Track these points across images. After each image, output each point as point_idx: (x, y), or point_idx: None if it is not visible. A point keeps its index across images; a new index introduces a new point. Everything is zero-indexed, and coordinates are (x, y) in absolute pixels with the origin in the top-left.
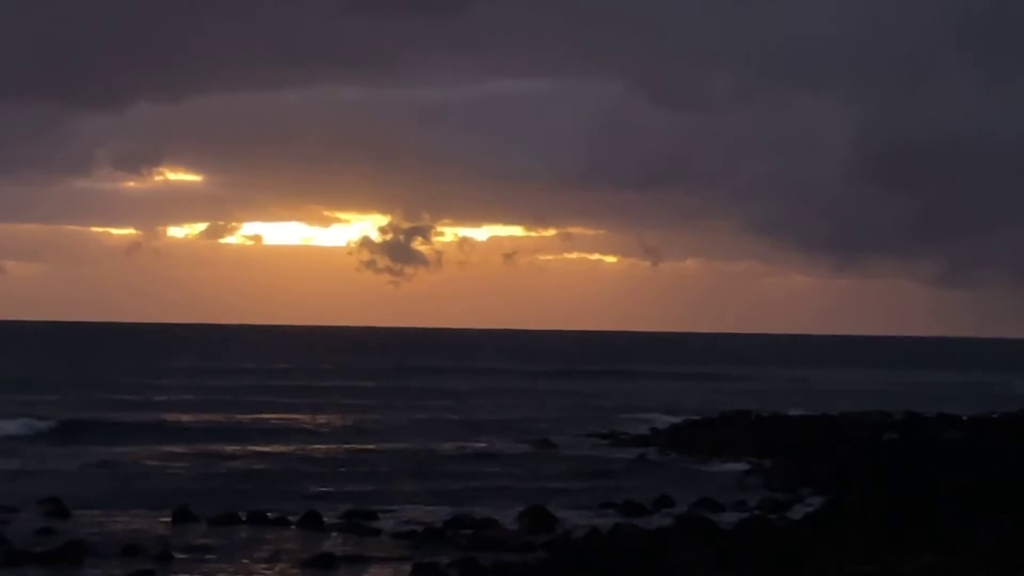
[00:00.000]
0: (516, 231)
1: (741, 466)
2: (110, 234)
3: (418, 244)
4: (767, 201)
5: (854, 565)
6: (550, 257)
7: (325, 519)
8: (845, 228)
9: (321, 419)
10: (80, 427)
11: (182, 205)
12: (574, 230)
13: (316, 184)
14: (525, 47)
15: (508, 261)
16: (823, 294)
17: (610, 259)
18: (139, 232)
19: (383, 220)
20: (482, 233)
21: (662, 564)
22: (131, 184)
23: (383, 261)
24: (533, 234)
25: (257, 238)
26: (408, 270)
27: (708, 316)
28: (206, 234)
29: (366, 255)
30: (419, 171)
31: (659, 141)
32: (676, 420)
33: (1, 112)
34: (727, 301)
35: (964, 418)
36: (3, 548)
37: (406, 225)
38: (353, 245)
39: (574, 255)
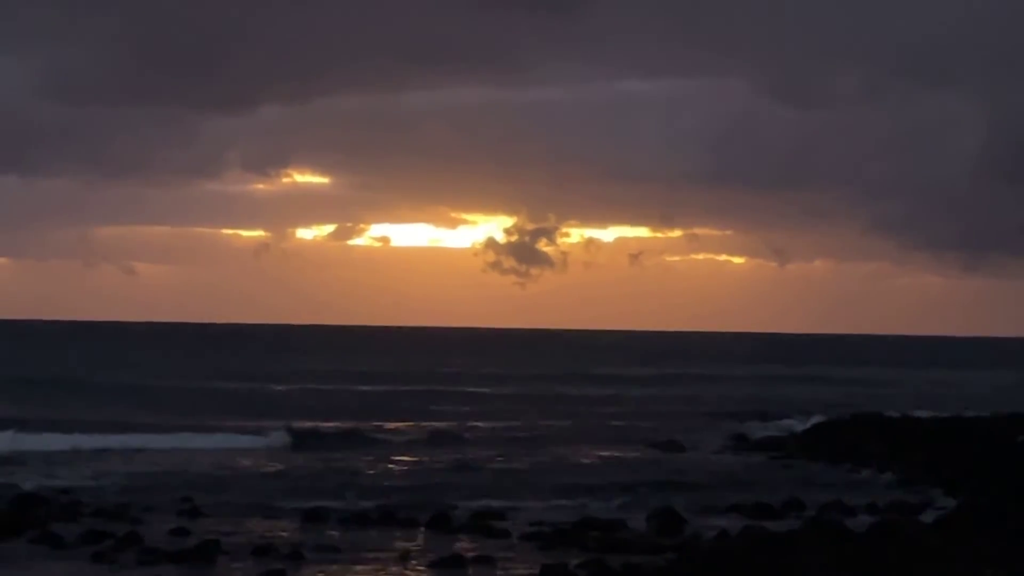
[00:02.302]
0: (642, 232)
1: (872, 469)
2: (239, 236)
3: (543, 245)
4: (895, 200)
5: (986, 568)
6: (677, 258)
7: (454, 520)
8: (975, 227)
9: (450, 425)
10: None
11: (310, 207)
12: (700, 231)
13: (442, 185)
14: (651, 47)
15: (634, 262)
16: (953, 294)
17: (737, 260)
18: (268, 234)
19: (508, 221)
20: (608, 234)
21: (791, 566)
22: (260, 186)
23: (508, 262)
24: (659, 235)
25: (385, 239)
26: (534, 271)
27: (836, 317)
28: (334, 236)
29: (491, 256)
30: (545, 172)
31: (786, 140)
32: (806, 423)
33: (133, 116)
34: (855, 302)
35: None
36: (138, 547)
37: (531, 226)
38: (479, 246)
39: (701, 256)
